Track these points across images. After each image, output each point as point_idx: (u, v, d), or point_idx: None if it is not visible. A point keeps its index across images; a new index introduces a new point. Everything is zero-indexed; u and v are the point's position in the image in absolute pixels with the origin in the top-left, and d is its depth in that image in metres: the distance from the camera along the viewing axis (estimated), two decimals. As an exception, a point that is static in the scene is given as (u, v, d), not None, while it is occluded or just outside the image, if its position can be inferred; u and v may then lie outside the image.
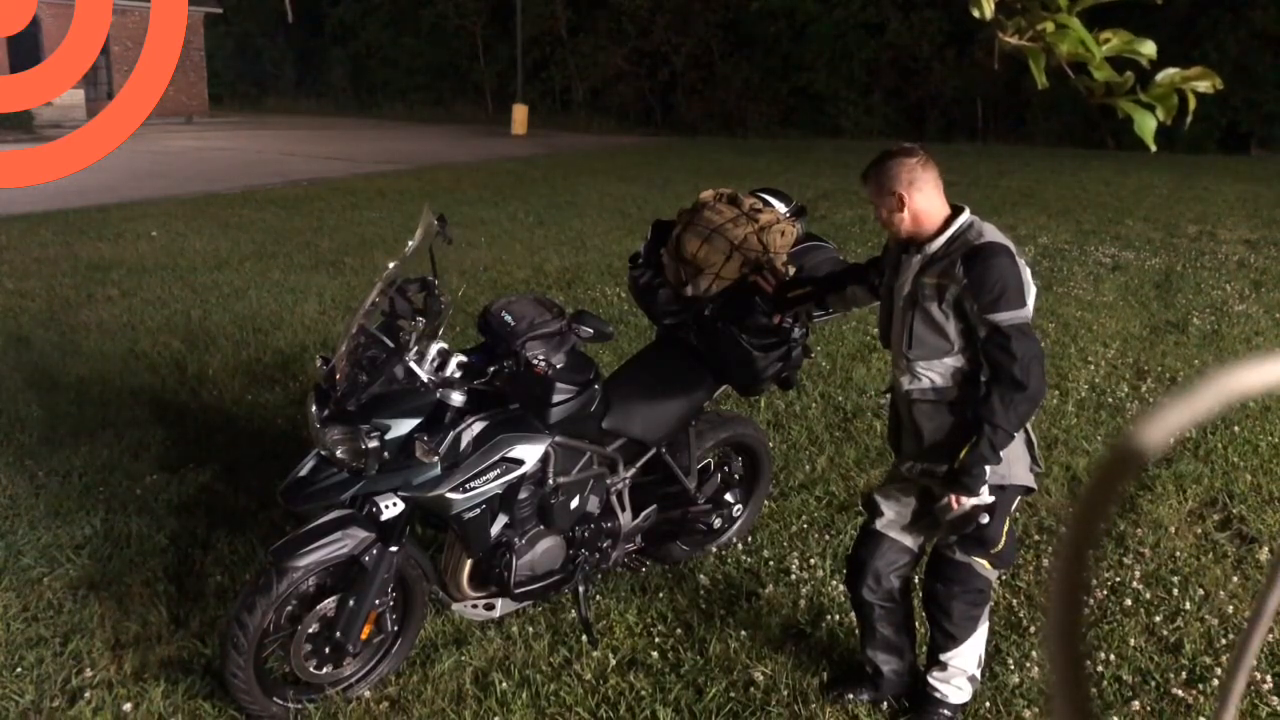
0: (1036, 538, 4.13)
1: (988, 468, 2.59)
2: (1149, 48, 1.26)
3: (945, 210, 2.69)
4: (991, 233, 2.66)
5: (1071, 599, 0.57)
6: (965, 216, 2.68)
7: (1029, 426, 2.74)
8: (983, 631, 2.91)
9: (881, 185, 2.67)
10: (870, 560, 2.95)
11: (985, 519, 2.68)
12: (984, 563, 2.79)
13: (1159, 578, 3.82)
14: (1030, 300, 2.63)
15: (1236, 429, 5.28)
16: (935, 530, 2.90)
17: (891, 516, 2.94)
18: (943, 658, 2.91)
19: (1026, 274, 2.66)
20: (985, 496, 2.68)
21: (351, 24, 37.54)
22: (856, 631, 3.16)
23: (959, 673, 2.92)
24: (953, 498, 2.69)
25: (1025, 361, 2.51)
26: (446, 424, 2.90)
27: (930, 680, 2.96)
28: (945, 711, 2.95)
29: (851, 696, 3.06)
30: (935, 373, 2.69)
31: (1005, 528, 2.75)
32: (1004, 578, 3.76)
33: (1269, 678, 3.18)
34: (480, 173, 17.15)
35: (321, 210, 12.24)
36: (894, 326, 2.79)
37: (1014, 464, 2.69)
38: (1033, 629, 3.45)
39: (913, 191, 2.64)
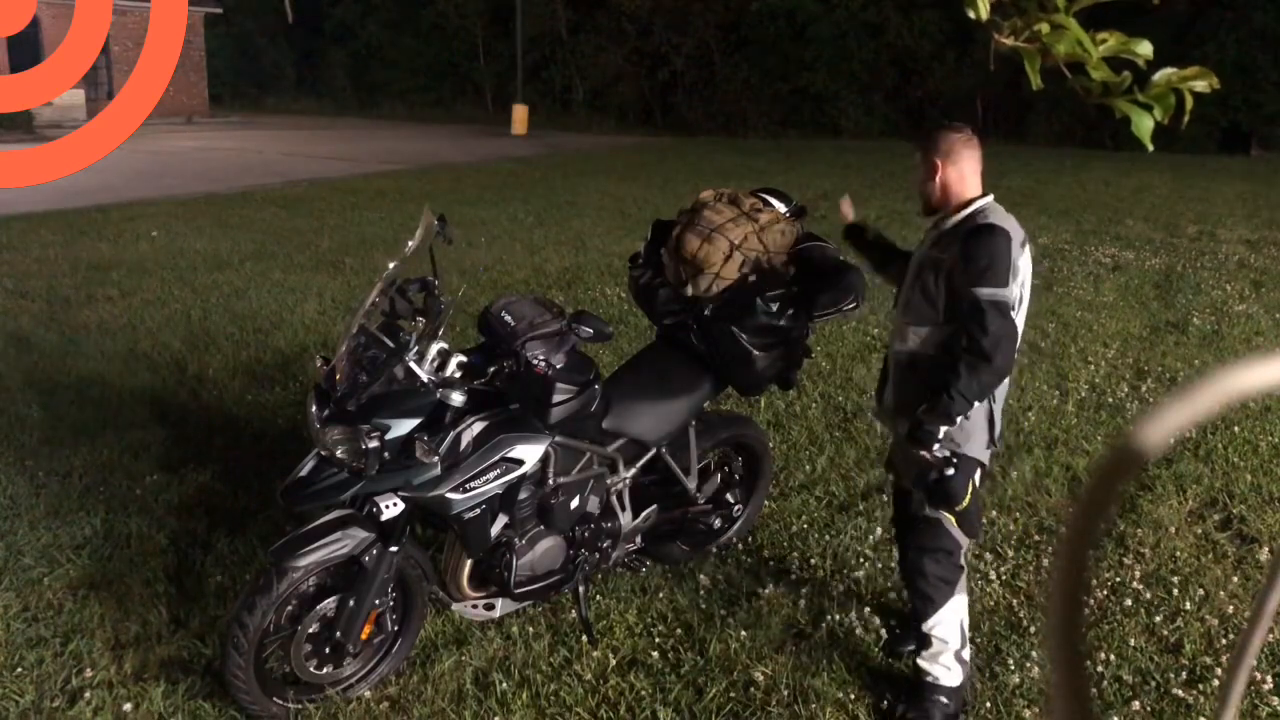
0: (1036, 538, 4.13)
1: (942, 429, 2.71)
2: (1145, 48, 1.26)
3: (975, 192, 2.83)
4: (1001, 217, 2.77)
5: (1071, 599, 0.57)
6: (983, 201, 2.82)
7: (996, 408, 2.83)
8: (959, 603, 2.96)
9: (926, 150, 2.86)
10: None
11: (950, 471, 2.75)
12: (950, 518, 2.86)
13: (1159, 578, 3.82)
14: (1018, 286, 2.70)
15: (1236, 429, 5.28)
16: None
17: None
18: (924, 627, 2.97)
19: (1024, 263, 2.74)
20: (938, 451, 2.76)
21: (351, 24, 37.52)
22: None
23: (943, 647, 2.96)
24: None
25: (996, 337, 2.64)
26: (446, 424, 2.90)
27: (920, 665, 3.00)
28: (942, 698, 2.96)
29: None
30: (919, 337, 2.87)
31: (970, 489, 2.80)
32: (1003, 577, 3.77)
33: (1269, 678, 3.18)
34: (480, 173, 17.15)
35: (321, 210, 12.24)
36: (901, 290, 3.00)
37: (972, 436, 2.79)
38: (1033, 629, 3.45)
39: (947, 163, 2.81)
